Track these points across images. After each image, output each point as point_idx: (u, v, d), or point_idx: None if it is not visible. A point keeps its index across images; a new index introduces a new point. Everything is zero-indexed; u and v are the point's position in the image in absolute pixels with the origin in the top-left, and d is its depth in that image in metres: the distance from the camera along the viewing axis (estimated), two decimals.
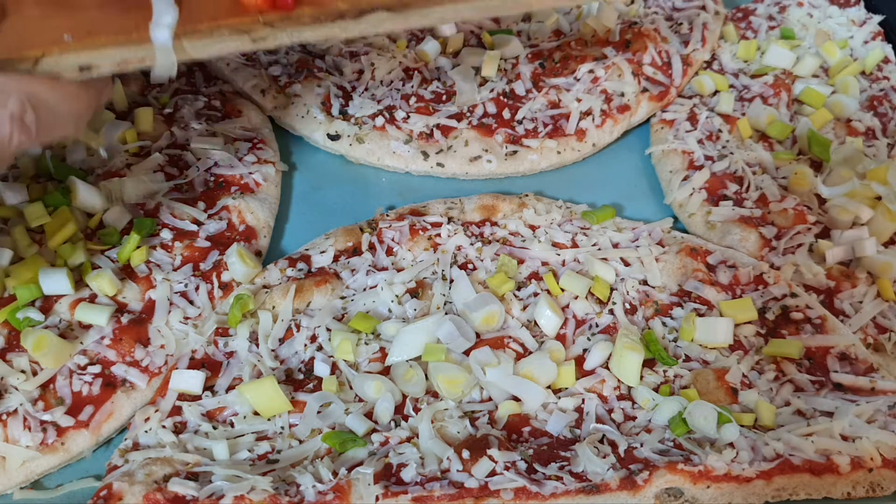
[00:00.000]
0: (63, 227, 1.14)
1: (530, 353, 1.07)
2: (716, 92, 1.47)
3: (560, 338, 1.10)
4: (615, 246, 1.21)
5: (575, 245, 1.21)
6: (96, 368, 1.04)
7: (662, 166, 1.37)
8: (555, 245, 1.21)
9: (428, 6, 0.93)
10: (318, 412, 1.00)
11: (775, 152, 1.35)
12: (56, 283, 1.09)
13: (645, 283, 1.17)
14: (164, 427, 0.99)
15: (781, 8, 1.61)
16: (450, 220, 1.24)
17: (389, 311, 1.12)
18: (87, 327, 1.08)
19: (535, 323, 1.11)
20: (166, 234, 1.19)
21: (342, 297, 1.14)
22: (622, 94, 1.42)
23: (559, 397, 1.03)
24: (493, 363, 1.03)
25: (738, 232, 1.23)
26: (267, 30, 0.91)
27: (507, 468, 0.92)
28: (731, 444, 0.94)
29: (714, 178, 1.30)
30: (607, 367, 1.06)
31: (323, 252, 1.19)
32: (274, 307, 1.12)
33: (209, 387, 1.04)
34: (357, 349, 1.06)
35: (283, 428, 0.99)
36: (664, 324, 1.12)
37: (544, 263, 1.18)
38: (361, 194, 1.35)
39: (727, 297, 1.14)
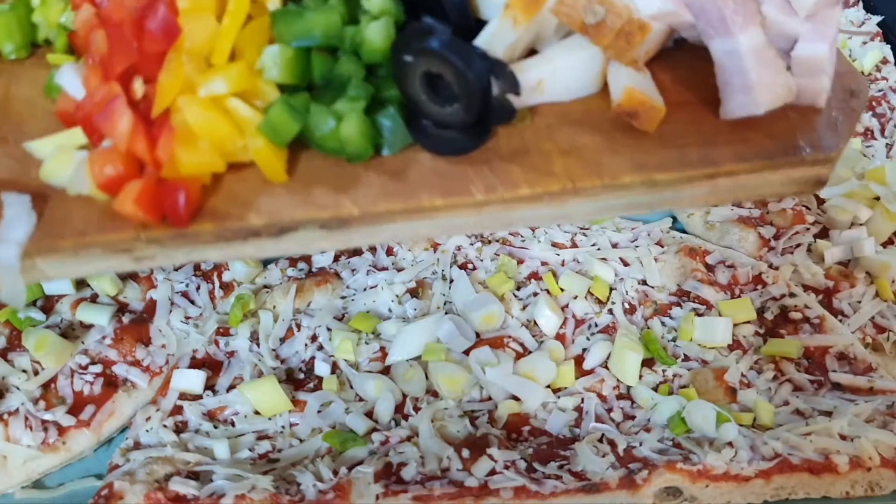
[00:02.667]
0: None
1: (530, 352, 1.07)
2: None
3: (559, 337, 1.10)
4: (614, 246, 1.21)
5: (574, 245, 1.21)
6: (97, 368, 1.05)
7: None
8: (554, 245, 1.21)
9: (376, 223, 0.69)
10: (319, 411, 1.01)
11: None
12: (57, 282, 1.09)
13: (644, 282, 1.17)
14: (165, 426, 0.99)
15: None
16: None
17: (389, 310, 1.13)
18: (89, 327, 1.08)
19: (535, 322, 1.11)
20: None
21: (342, 297, 1.14)
22: None
23: (559, 396, 1.03)
24: (493, 362, 1.03)
25: (736, 232, 1.23)
26: (154, 248, 0.68)
27: (506, 467, 0.92)
28: (730, 444, 0.94)
29: None
30: (606, 367, 1.06)
31: (323, 252, 1.20)
32: (275, 307, 1.12)
33: (210, 386, 1.04)
34: (357, 349, 1.07)
35: (283, 427, 1.00)
36: (663, 323, 1.12)
37: (544, 263, 1.18)
38: None
39: (726, 296, 1.15)
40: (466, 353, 1.06)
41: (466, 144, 0.70)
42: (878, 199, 1.24)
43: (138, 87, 0.70)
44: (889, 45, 1.54)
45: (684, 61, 0.76)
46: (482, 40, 0.70)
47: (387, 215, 0.68)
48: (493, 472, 0.92)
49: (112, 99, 0.69)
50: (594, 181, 0.69)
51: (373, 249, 1.20)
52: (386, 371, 1.06)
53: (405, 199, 0.68)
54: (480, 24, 0.72)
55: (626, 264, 1.18)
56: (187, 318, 1.11)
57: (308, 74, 0.71)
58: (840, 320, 1.12)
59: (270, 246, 0.70)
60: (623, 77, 0.71)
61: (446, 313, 1.10)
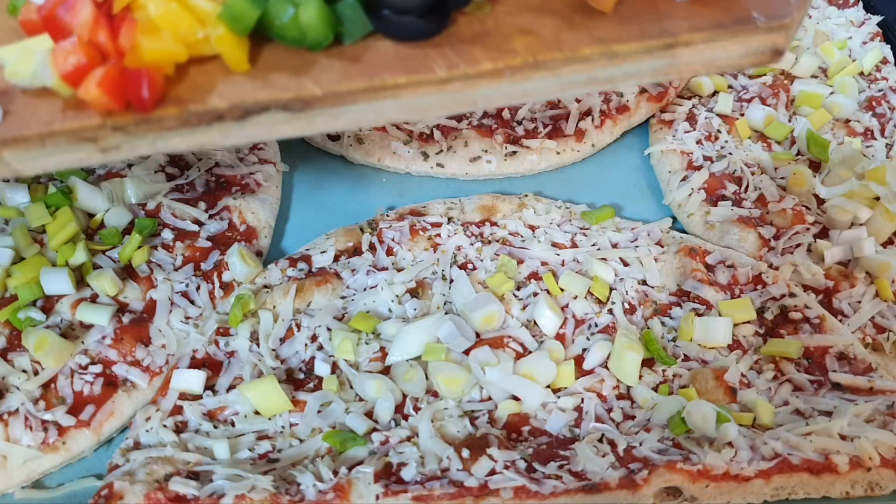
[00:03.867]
0: (64, 228, 1.14)
1: (530, 352, 1.07)
2: (714, 93, 1.47)
3: (559, 337, 1.10)
4: (614, 246, 1.21)
5: (574, 245, 1.21)
6: (97, 368, 1.05)
7: (661, 167, 1.38)
8: (554, 245, 1.21)
9: (339, 105, 0.70)
10: (319, 411, 1.01)
11: (774, 153, 1.35)
12: (57, 282, 1.09)
13: (644, 282, 1.17)
14: (165, 426, 0.99)
15: None
16: (450, 220, 1.24)
17: (389, 310, 1.13)
18: (89, 327, 1.08)
19: (535, 323, 1.11)
20: (167, 234, 1.19)
21: (342, 297, 1.14)
22: (621, 95, 1.43)
23: (559, 396, 1.03)
24: (493, 363, 1.03)
25: (736, 232, 1.23)
26: (119, 136, 0.69)
27: (506, 467, 0.92)
28: (730, 444, 0.94)
29: (713, 179, 1.31)
30: (606, 367, 1.06)
31: (323, 252, 1.20)
32: (275, 307, 1.12)
33: (210, 386, 1.05)
34: (357, 349, 1.07)
35: (283, 427, 1.00)
36: (663, 323, 1.12)
37: (544, 263, 1.18)
38: (361, 194, 1.36)
39: (726, 296, 1.15)
40: (466, 353, 1.06)
41: (426, 28, 0.72)
42: (878, 199, 1.24)
43: None
44: (889, 45, 1.55)
45: None
46: None
47: (349, 95, 0.70)
48: (493, 472, 0.92)
49: None
50: (555, 54, 0.71)
51: (372, 249, 1.20)
52: (386, 371, 1.06)
53: (368, 78, 0.70)
54: None
55: (626, 264, 1.18)
56: (187, 318, 1.11)
57: None
58: (840, 320, 1.13)
59: (235, 131, 0.71)
60: None
61: (446, 313, 1.10)
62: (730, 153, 1.34)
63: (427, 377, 1.04)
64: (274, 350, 1.08)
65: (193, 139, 0.71)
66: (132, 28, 0.68)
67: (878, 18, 1.58)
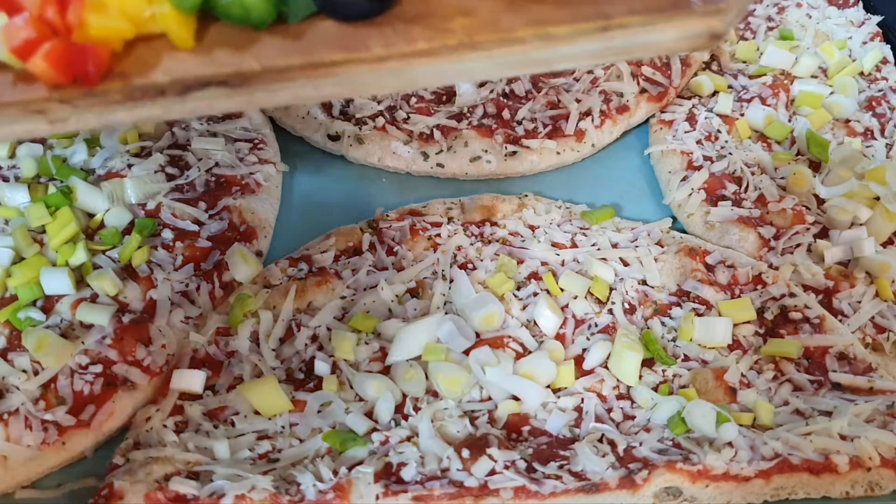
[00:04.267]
0: (64, 228, 1.14)
1: (530, 352, 1.07)
2: (714, 93, 1.47)
3: (559, 337, 1.10)
4: (614, 246, 1.21)
5: (574, 245, 1.21)
6: (98, 368, 1.04)
7: (661, 167, 1.38)
8: (554, 245, 1.21)
9: (278, 80, 0.73)
10: (319, 411, 1.01)
11: (774, 152, 1.35)
12: (57, 282, 1.09)
13: (644, 282, 1.17)
14: (165, 426, 0.99)
15: (780, 9, 1.62)
16: (450, 220, 1.24)
17: (390, 310, 1.13)
18: (89, 327, 1.08)
19: (535, 323, 1.11)
20: (167, 234, 1.19)
21: (343, 297, 1.14)
22: (621, 95, 1.43)
23: (558, 396, 1.03)
24: (493, 363, 1.03)
25: (736, 232, 1.23)
26: (66, 109, 0.73)
27: (506, 467, 0.92)
28: (730, 444, 0.95)
29: (713, 179, 1.31)
30: (606, 367, 1.06)
31: (324, 252, 1.20)
32: (275, 307, 1.12)
33: (210, 386, 1.05)
34: (357, 349, 1.07)
35: (283, 427, 1.00)
36: (663, 323, 1.12)
37: (544, 263, 1.18)
38: (361, 194, 1.36)
39: (726, 296, 1.15)
40: (466, 353, 1.06)
41: (368, 8, 0.74)
42: (878, 199, 1.24)
43: None
44: (889, 45, 1.55)
45: None
46: None
47: (288, 71, 0.73)
48: (493, 472, 0.92)
49: None
50: (490, 35, 0.73)
51: (373, 249, 1.20)
52: (386, 371, 1.06)
53: (306, 54, 0.72)
54: None
55: (626, 264, 1.18)
56: (187, 318, 1.11)
57: None
58: (840, 320, 1.13)
59: (177, 106, 0.74)
60: None
61: (446, 313, 1.10)
62: (730, 153, 1.34)
63: (427, 377, 1.04)
64: (274, 350, 1.08)
65: (137, 113, 0.74)
66: (81, 5, 0.71)
67: (878, 18, 1.58)
